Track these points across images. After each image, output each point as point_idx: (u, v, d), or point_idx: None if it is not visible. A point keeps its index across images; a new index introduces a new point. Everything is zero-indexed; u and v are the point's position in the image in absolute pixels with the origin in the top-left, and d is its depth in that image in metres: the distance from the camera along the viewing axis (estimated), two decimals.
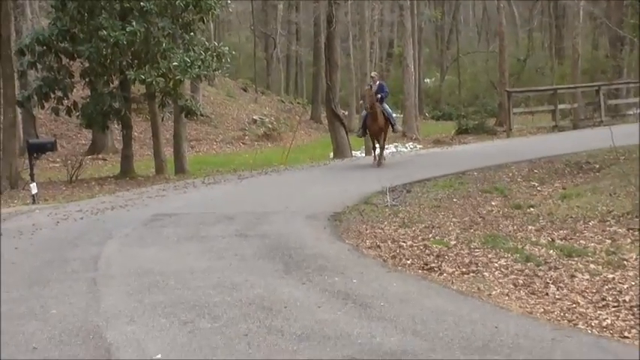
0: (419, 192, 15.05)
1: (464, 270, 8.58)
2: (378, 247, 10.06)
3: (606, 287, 7.64)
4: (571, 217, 11.42)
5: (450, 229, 11.13)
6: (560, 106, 30.93)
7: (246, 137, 38.22)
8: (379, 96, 19.61)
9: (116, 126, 28.10)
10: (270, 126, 39.78)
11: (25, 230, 12.38)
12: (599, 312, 6.92)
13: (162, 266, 9.09)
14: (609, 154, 16.83)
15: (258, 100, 48.51)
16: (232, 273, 8.59)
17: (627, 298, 7.21)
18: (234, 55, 27.91)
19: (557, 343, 5.97)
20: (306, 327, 6.50)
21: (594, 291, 7.54)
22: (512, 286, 7.87)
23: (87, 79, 22.95)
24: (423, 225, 11.48)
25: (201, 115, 28.83)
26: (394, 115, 21.35)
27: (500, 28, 40.55)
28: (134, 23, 21.13)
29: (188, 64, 21.63)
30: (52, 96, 22.83)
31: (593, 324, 6.59)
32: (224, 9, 27.95)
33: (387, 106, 20.12)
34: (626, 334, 6.33)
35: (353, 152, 28.46)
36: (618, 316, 6.76)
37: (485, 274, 8.39)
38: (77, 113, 23.43)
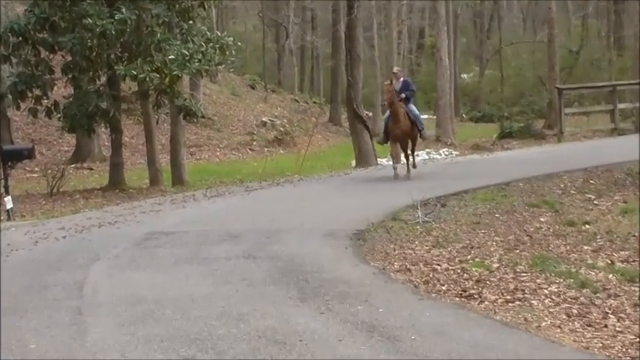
0: (455, 206, 15.05)
1: (508, 298, 8.57)
2: (408, 270, 10.06)
3: None
4: (634, 236, 11.38)
5: (492, 249, 11.13)
6: (621, 106, 30.87)
7: (255, 143, 38.29)
8: (403, 95, 19.52)
9: (104, 130, 28.15)
10: (282, 129, 39.85)
11: None
12: None
13: (158, 293, 9.12)
14: None
15: (268, 99, 48.68)
16: (239, 301, 8.61)
17: None
18: (240, 47, 27.92)
19: None
20: None
21: None
22: (565, 317, 7.86)
23: (69, 76, 22.91)
24: (461, 245, 11.49)
25: (202, 117, 28.90)
26: (423, 117, 21.24)
27: (549, 14, 40.50)
28: (124, 10, 21.11)
29: (186, 58, 21.64)
30: (30, 95, 22.83)
31: None
32: None
33: (413, 107, 19.94)
34: None
35: (378, 160, 28.41)
36: None
37: (533, 302, 8.38)
38: (58, 115, 23.39)
